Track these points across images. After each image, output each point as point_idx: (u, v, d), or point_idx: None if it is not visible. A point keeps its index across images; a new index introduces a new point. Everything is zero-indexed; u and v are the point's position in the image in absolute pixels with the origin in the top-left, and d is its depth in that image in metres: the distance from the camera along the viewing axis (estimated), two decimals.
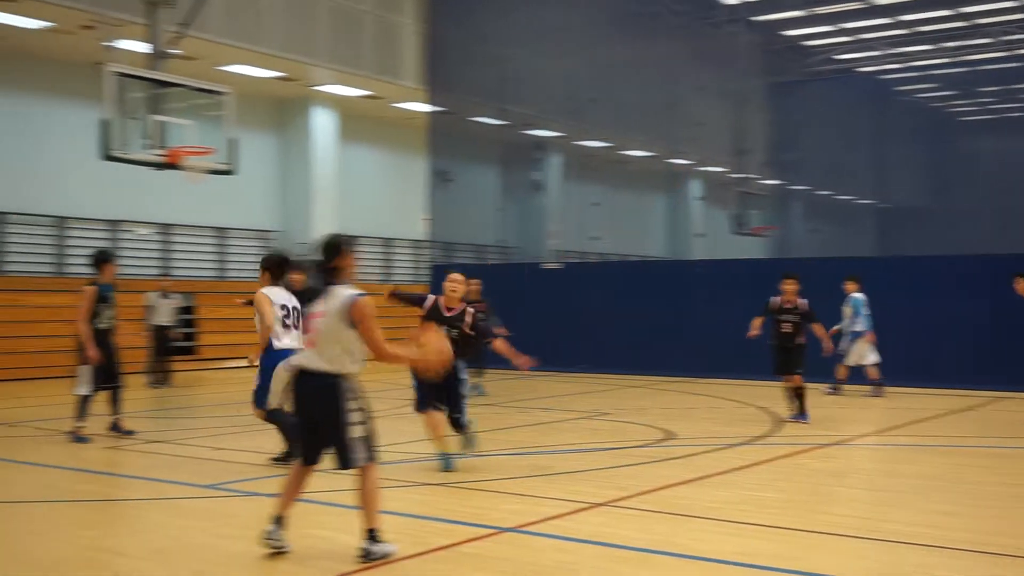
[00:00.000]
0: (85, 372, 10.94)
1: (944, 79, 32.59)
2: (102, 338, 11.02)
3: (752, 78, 30.32)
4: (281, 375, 8.55)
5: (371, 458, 6.08)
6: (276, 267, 9.43)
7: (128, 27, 16.70)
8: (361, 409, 6.05)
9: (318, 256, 6.06)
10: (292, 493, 6.19)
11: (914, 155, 30.54)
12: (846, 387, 16.10)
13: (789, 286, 12.49)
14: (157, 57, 15.34)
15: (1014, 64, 29.08)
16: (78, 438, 10.78)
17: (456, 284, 8.98)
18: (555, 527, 6.89)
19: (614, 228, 28.62)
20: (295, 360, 6.21)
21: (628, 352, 19.67)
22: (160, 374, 17.89)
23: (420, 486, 8.45)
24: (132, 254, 22.19)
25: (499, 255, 27.58)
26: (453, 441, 9.16)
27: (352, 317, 5.89)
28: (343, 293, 5.95)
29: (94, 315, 11.00)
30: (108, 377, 11.11)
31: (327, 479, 7.57)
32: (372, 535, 6.02)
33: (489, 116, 25.75)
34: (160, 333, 17.81)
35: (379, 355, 5.99)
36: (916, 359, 17.30)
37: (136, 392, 16.78)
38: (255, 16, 20.66)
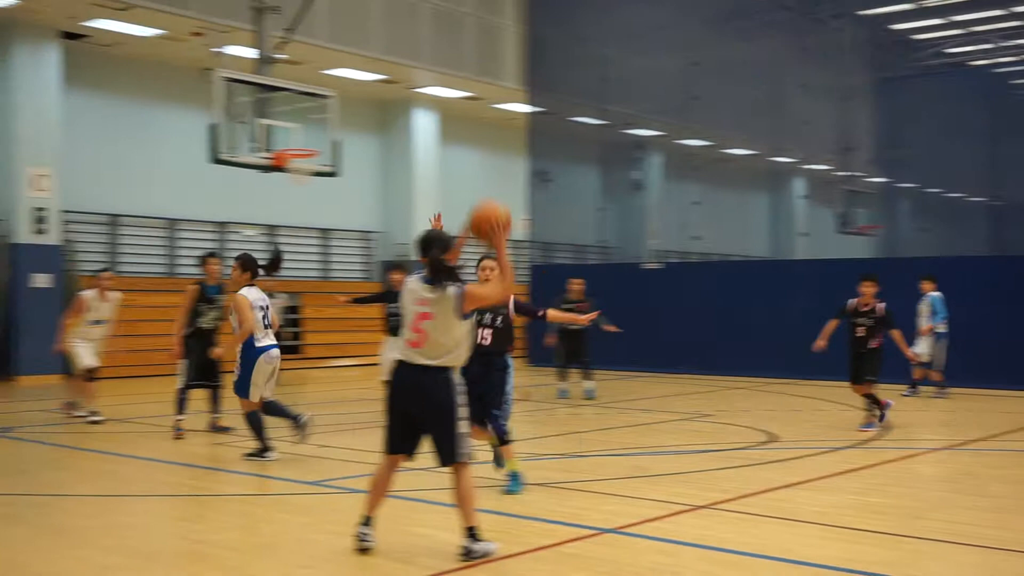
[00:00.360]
0: (182, 367, 11.20)
1: None
2: (204, 337, 11.24)
3: (858, 74, 29.66)
4: (264, 368, 9.48)
5: (467, 456, 6.11)
6: (254, 268, 9.92)
7: (236, 33, 17.10)
8: (463, 406, 6.10)
9: (424, 249, 6.05)
10: (382, 490, 6.21)
11: None
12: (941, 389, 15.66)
13: (868, 288, 11.93)
14: (263, 62, 15.65)
15: None
16: (177, 430, 11.05)
17: (487, 271, 8.02)
18: (655, 529, 6.83)
19: (715, 227, 28.27)
20: (395, 354, 6.19)
21: (730, 353, 19.40)
22: None
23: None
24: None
25: (599, 255, 27.48)
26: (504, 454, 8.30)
27: (464, 304, 5.93)
28: (450, 290, 5.95)
29: (197, 314, 11.25)
30: (207, 375, 11.31)
31: (417, 477, 7.63)
32: (472, 533, 6.04)
33: (589, 116, 25.68)
34: None
35: (507, 287, 6.14)
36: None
37: None
38: (359, 20, 20.96)
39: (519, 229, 25.82)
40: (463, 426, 6.02)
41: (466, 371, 6.39)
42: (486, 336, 7.97)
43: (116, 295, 12.56)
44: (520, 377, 10.43)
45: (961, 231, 31.55)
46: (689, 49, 24.45)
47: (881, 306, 11.94)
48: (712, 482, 8.56)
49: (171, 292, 20.67)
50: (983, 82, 31.00)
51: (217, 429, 11.54)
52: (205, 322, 11.31)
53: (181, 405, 11.17)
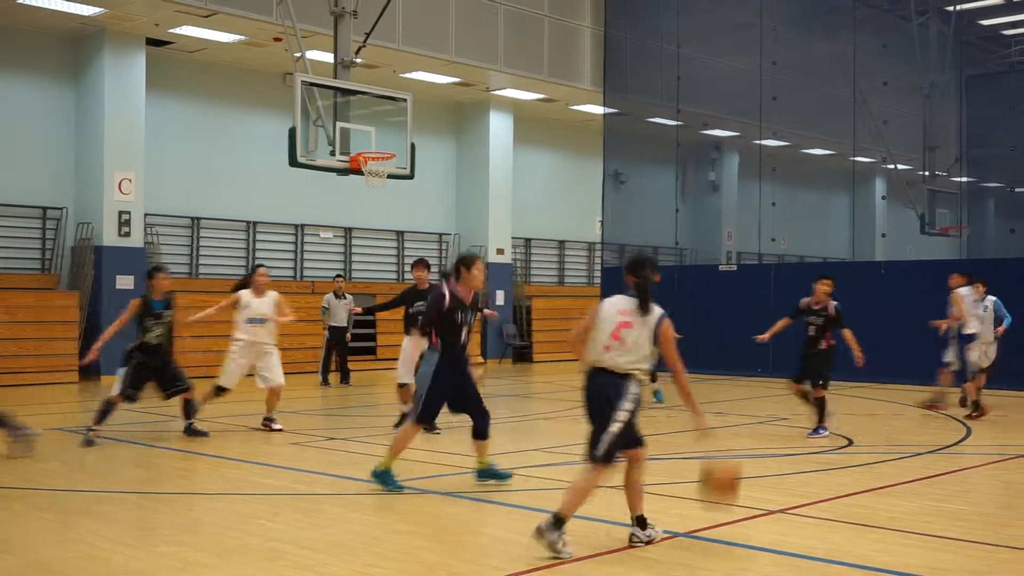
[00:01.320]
0: (120, 377, 10.93)
1: None
2: (150, 352, 10.96)
3: (943, 71, 29.01)
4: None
5: (611, 460, 6.25)
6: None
7: (315, 38, 17.31)
8: (631, 412, 6.29)
9: (635, 270, 6.47)
10: (585, 495, 6.28)
11: None
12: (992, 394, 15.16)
13: (822, 287, 11.65)
14: (342, 66, 15.82)
15: None
16: (87, 441, 10.66)
17: (479, 272, 8.37)
18: (729, 533, 6.76)
19: (794, 229, 27.87)
20: (594, 358, 6.42)
21: None
22: (338, 373, 18.49)
23: None
24: (316, 257, 23.03)
25: (673, 257, 27.29)
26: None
27: (658, 336, 6.35)
28: (656, 311, 6.37)
29: (144, 329, 10.96)
30: (170, 384, 11.11)
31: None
32: (557, 522, 6.12)
33: (664, 117, 25.48)
34: (336, 333, 18.38)
35: (676, 375, 6.44)
36: None
37: (310, 391, 17.40)
38: (435, 24, 21.09)
39: (594, 231, 25.76)
40: (615, 427, 6.23)
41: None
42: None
43: (273, 293, 12.14)
44: None
45: None
46: (767, 48, 24.14)
47: (832, 305, 11.65)
48: (787, 487, 8.44)
49: None
50: None
51: (193, 433, 11.30)
52: (151, 338, 11.02)
53: (103, 415, 10.79)
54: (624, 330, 6.32)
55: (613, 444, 6.24)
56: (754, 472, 9.07)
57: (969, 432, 12.10)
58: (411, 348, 11.23)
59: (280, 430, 11.80)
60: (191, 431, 11.38)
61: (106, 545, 6.50)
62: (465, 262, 8.36)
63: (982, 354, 13.79)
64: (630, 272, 6.50)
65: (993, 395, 14.30)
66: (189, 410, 11.43)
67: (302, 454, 10.42)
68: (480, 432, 8.45)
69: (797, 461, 9.91)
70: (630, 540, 6.44)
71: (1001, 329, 13.91)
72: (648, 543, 6.42)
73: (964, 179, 29.19)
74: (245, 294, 11.94)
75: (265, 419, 12.08)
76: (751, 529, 6.91)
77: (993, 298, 14.08)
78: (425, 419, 8.38)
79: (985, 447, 10.97)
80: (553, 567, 5.91)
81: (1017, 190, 33.68)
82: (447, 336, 8.27)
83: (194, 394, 11.43)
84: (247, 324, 11.82)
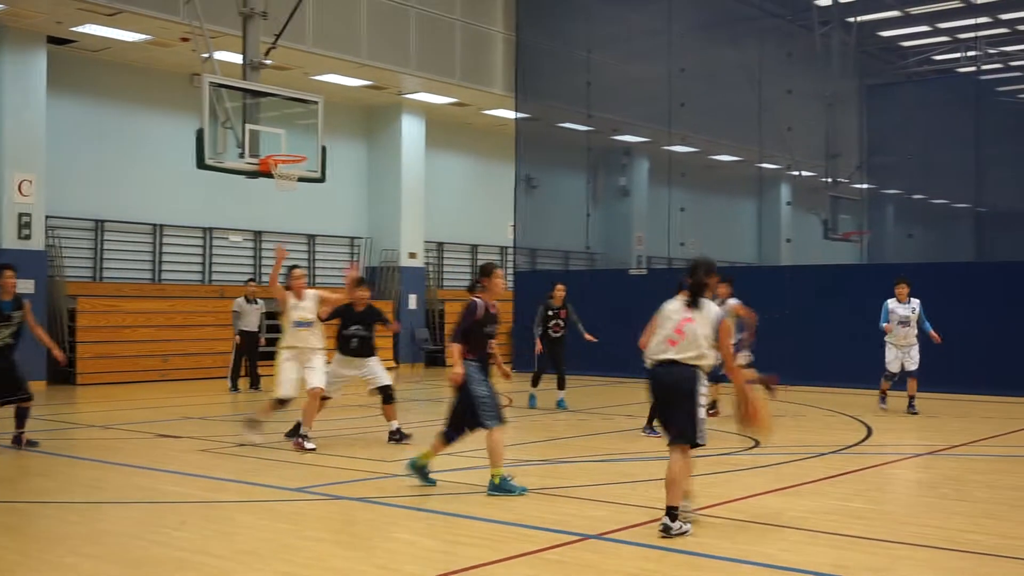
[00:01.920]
0: None
1: None
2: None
3: (846, 80, 29.77)
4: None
5: (699, 441, 6.97)
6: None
7: (224, 38, 17.05)
8: (704, 396, 7.04)
9: (692, 273, 7.25)
10: (687, 477, 7.01)
11: (1015, 157, 29.63)
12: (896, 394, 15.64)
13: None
14: (251, 67, 15.61)
15: None
16: None
17: (500, 280, 8.59)
18: (639, 535, 6.84)
19: (702, 233, 28.31)
20: (658, 354, 7.19)
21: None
22: (248, 378, 18.23)
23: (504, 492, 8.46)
24: (225, 261, 22.69)
25: (584, 261, 27.51)
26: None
27: (718, 330, 7.10)
28: (714, 309, 7.18)
29: None
30: (8, 391, 10.73)
31: (395, 484, 7.61)
32: (672, 512, 6.71)
33: (576, 122, 25.69)
34: (247, 338, 18.11)
35: (728, 366, 7.20)
36: (1011, 367, 16.81)
37: (220, 396, 17.15)
38: (347, 26, 20.95)
39: (506, 235, 25.86)
40: (701, 413, 6.97)
41: None
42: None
43: (312, 292, 11.31)
44: (504, 384, 10.45)
45: (946, 237, 31.67)
46: (676, 55, 24.51)
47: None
48: (697, 488, 8.57)
49: (156, 298, 20.70)
50: (969, 89, 31.12)
51: (18, 444, 10.84)
52: None
53: None
54: (687, 324, 7.11)
55: (704, 427, 6.99)
56: (663, 473, 9.19)
57: (870, 432, 12.44)
58: (338, 367, 11.25)
59: (313, 450, 10.68)
60: (18, 441, 10.80)
61: (10, 557, 6.33)
62: (486, 272, 8.55)
63: (898, 358, 14.21)
64: (688, 274, 7.35)
65: (897, 395, 14.70)
66: (20, 419, 10.85)
67: (212, 461, 10.27)
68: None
69: (708, 463, 10.07)
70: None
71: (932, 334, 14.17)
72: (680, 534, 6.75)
73: (865, 186, 30.01)
74: (290, 297, 11.11)
75: (297, 434, 10.98)
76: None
77: (917, 300, 14.31)
78: (501, 418, 8.36)
79: (885, 447, 11.29)
80: (466, 570, 5.92)
81: (915, 196, 34.69)
82: (478, 346, 8.39)
83: (30, 404, 10.83)
84: (295, 328, 11.04)
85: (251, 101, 15.11)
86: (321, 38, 20.23)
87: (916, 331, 14.26)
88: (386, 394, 11.32)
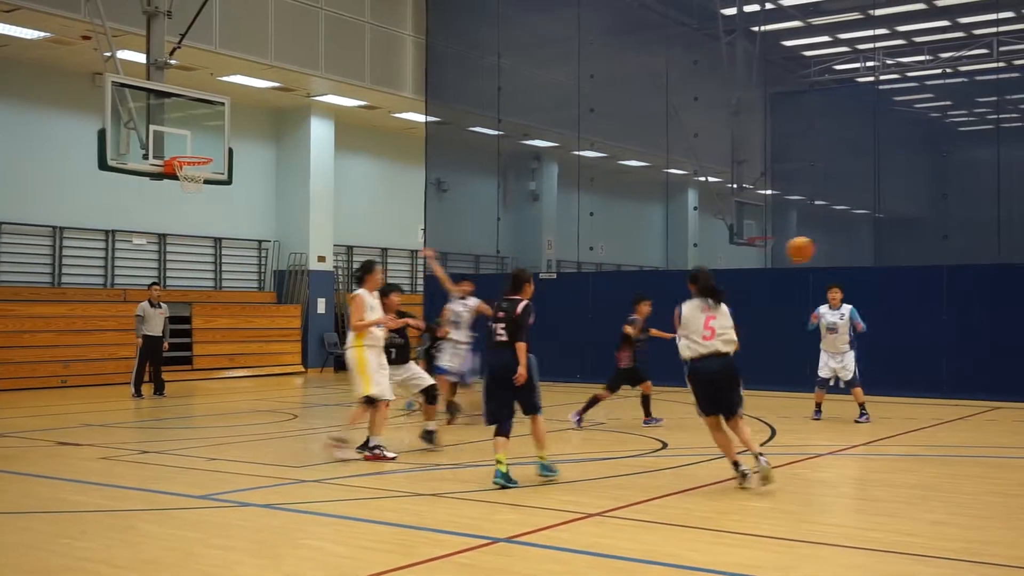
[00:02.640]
0: None
1: (941, 89, 32.62)
2: None
3: (750, 88, 30.36)
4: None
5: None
6: None
7: (127, 37, 16.72)
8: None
9: (692, 281, 9.11)
10: (726, 441, 8.91)
11: (911, 165, 30.54)
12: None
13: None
14: (155, 67, 15.34)
15: (1011, 75, 29.11)
16: None
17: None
18: (548, 537, 6.88)
19: (611, 238, 28.62)
20: (699, 349, 8.84)
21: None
22: (151, 384, 17.87)
23: (412, 496, 8.45)
24: (128, 264, 22.20)
25: (495, 265, 27.58)
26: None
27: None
28: (724, 305, 8.93)
29: None
30: None
31: (306, 488, 7.54)
32: (759, 456, 8.61)
33: (486, 126, 25.76)
34: (151, 343, 17.72)
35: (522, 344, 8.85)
36: (910, 369, 17.34)
37: (123, 402, 16.79)
38: (255, 27, 20.69)
39: (417, 239, 25.79)
40: (743, 390, 8.90)
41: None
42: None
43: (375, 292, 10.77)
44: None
45: (846, 243, 32.48)
46: (585, 62, 24.73)
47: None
48: (605, 490, 8.66)
49: (55, 302, 20.16)
50: (868, 98, 31.97)
51: None
52: None
53: None
54: (712, 320, 8.75)
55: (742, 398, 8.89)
56: (571, 476, 9.28)
57: (774, 433, 12.70)
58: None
59: (394, 458, 10.27)
60: None
61: None
62: (525, 276, 9.63)
63: (828, 364, 14.13)
64: (692, 282, 9.01)
65: (804, 397, 15.02)
66: None
67: (114, 469, 10.04)
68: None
69: (615, 465, 10.19)
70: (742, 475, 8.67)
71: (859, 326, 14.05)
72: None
73: (769, 192, 30.61)
74: (366, 295, 10.49)
75: (371, 446, 10.38)
76: (569, 532, 7.05)
77: (849, 307, 14.10)
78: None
79: (788, 447, 11.53)
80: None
81: (817, 202, 35.52)
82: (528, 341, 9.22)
83: None
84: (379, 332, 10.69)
85: (155, 102, 14.86)
86: (228, 38, 19.95)
87: (848, 337, 13.97)
88: (429, 395, 11.58)
